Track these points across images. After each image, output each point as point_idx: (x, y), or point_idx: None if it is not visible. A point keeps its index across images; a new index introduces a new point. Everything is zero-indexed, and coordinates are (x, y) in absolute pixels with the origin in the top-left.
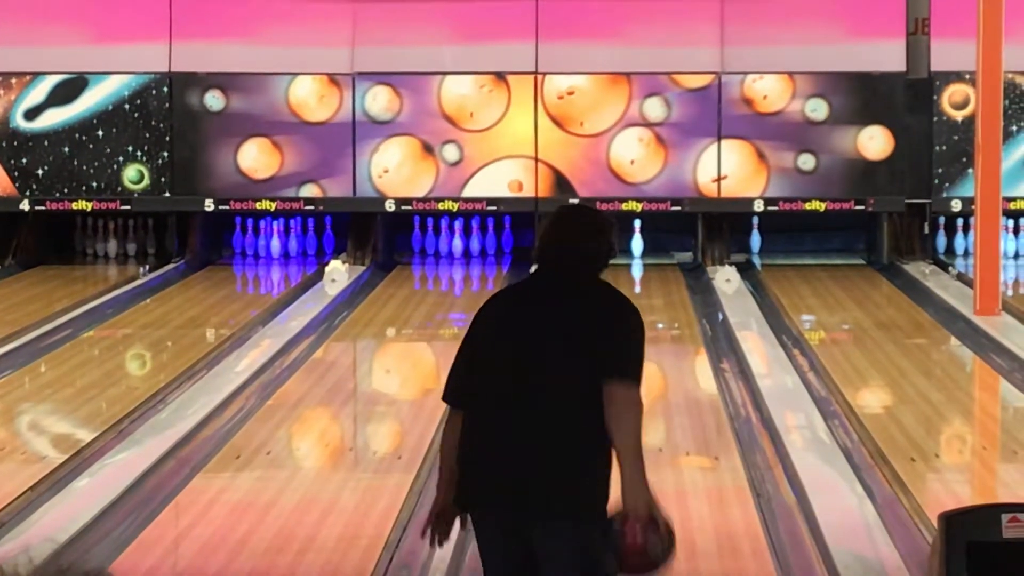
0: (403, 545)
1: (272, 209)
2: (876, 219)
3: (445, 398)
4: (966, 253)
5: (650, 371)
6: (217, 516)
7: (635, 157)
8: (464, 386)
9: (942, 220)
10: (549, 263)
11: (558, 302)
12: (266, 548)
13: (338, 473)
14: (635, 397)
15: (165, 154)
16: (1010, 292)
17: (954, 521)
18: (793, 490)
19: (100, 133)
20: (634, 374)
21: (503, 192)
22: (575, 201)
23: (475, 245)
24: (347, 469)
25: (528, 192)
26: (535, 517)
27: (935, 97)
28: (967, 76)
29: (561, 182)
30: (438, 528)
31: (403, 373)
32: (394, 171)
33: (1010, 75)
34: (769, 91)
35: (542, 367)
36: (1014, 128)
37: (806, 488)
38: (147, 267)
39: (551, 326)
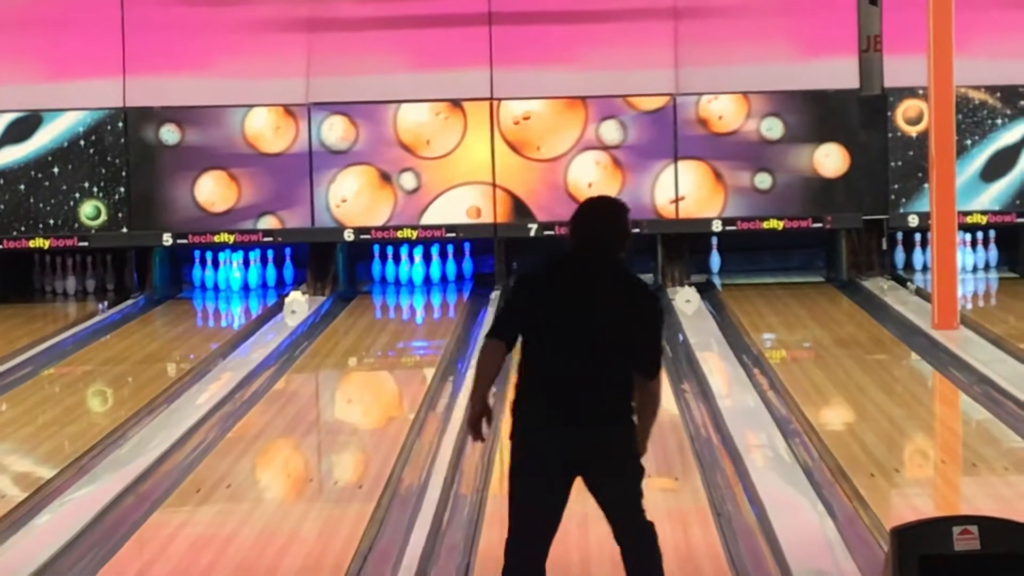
0: (363, 574)
1: (231, 242)
2: (834, 236)
3: (493, 333)
4: (924, 268)
5: None
6: (178, 550)
7: (593, 180)
8: (513, 327)
9: (900, 236)
10: (587, 246)
11: (608, 280)
12: None
13: (299, 504)
14: (659, 388)
15: (122, 189)
16: (968, 306)
17: (906, 535)
18: (754, 509)
19: (56, 170)
20: (660, 366)
21: (462, 219)
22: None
23: (435, 272)
24: (308, 500)
25: (487, 218)
26: (600, 456)
27: (889, 113)
28: (920, 91)
29: (519, 207)
30: (478, 429)
31: (365, 403)
32: (352, 200)
33: (963, 90)
34: (724, 111)
35: (600, 331)
36: (968, 142)
37: (767, 507)
38: (106, 303)
39: (605, 301)
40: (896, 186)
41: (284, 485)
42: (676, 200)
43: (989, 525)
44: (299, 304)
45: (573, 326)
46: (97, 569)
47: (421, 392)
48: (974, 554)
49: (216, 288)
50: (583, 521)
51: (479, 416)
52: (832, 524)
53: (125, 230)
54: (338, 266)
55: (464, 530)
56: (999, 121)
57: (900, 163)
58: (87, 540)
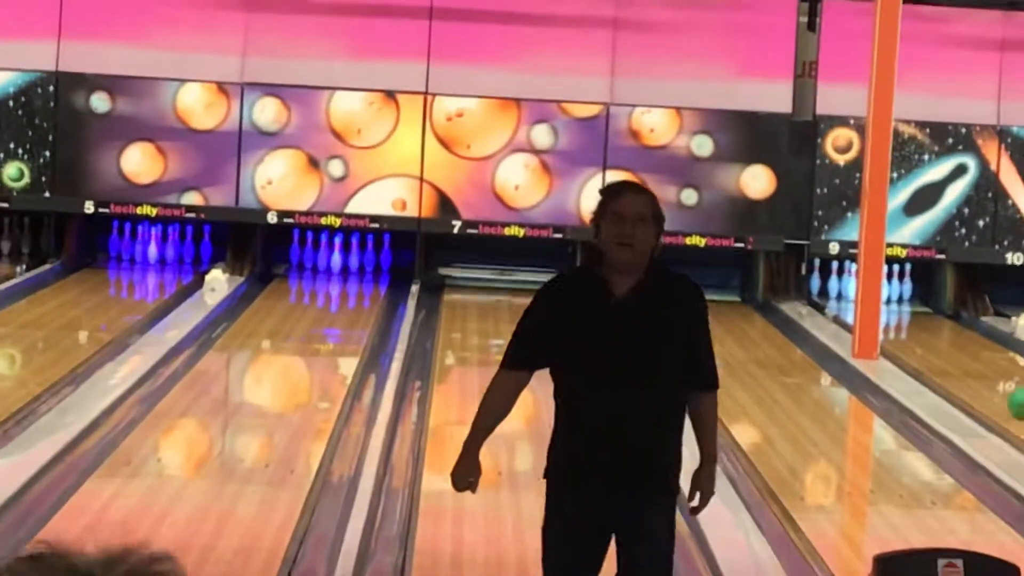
0: (301, 561)
1: (153, 215)
2: (752, 257)
3: (511, 363)
4: (839, 296)
5: (525, 396)
6: (111, 522)
7: (520, 183)
8: (534, 355)
9: (817, 262)
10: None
11: (649, 293)
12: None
13: (231, 485)
14: (716, 401)
15: (47, 153)
16: (882, 337)
17: (890, 564)
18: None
19: None
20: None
21: (386, 210)
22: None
23: (354, 262)
24: (240, 482)
25: (411, 212)
26: (640, 494)
27: (819, 140)
28: (851, 121)
29: (445, 203)
30: (462, 485)
31: (288, 388)
32: (278, 183)
33: (894, 123)
34: (656, 124)
35: (644, 354)
36: (895, 175)
37: (700, 523)
38: (24, 266)
39: (649, 319)
40: (820, 212)
41: (215, 465)
42: None
43: (974, 560)
44: (219, 283)
45: (615, 357)
46: (28, 539)
47: (344, 383)
48: None
49: (132, 260)
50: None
51: (466, 472)
52: (763, 542)
53: (47, 195)
54: (257, 248)
55: (399, 525)
56: (926, 157)
57: (825, 190)
58: (16, 509)
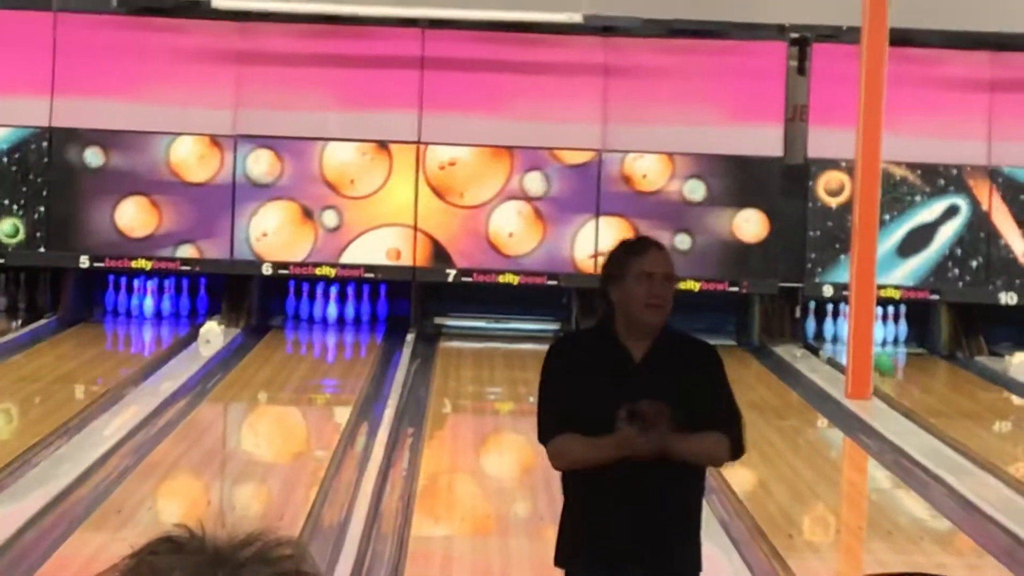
0: None
1: (148, 268)
2: (747, 301)
3: (551, 433)
4: (835, 339)
5: (519, 443)
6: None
7: (514, 230)
8: (571, 420)
9: (812, 305)
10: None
11: (667, 358)
12: None
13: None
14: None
15: (42, 209)
16: (877, 379)
17: None
18: None
19: None
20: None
21: (381, 260)
22: None
23: (350, 311)
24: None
25: (406, 261)
26: (659, 572)
27: (810, 183)
28: (843, 164)
29: (439, 252)
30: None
31: (282, 438)
32: (273, 235)
33: (885, 165)
34: (648, 170)
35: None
36: (887, 217)
37: None
38: (19, 321)
39: (671, 387)
40: (813, 255)
41: (206, 513)
42: (595, 255)
43: None
44: (214, 335)
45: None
46: None
47: (338, 430)
48: None
49: (129, 314)
50: None
51: (624, 436)
52: None
53: (42, 250)
54: (253, 299)
55: (388, 569)
56: (918, 198)
57: (818, 233)
58: (9, 555)
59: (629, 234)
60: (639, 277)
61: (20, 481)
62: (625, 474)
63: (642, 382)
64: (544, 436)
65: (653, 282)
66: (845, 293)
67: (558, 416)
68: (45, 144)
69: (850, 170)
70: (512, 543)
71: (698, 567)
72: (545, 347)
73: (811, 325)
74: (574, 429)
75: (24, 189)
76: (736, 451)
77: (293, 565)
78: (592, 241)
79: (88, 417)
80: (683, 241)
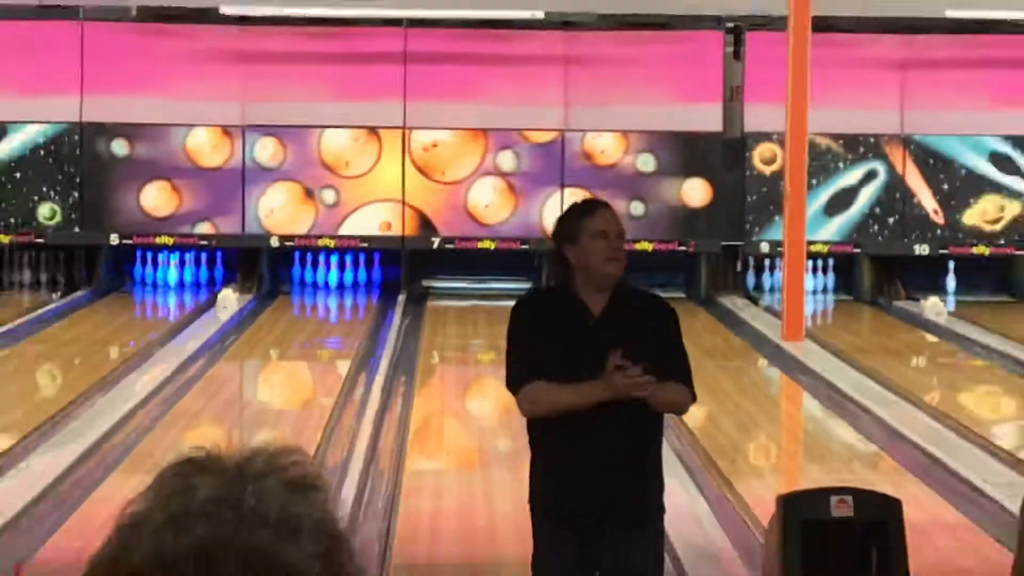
0: None
1: (170, 244)
2: (694, 258)
3: (522, 382)
4: (772, 289)
5: (499, 388)
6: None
7: (489, 202)
8: (536, 371)
9: (752, 260)
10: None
11: (624, 312)
12: None
13: None
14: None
15: (76, 194)
16: (810, 323)
17: (790, 502)
18: None
19: (18, 175)
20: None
21: (374, 231)
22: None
23: (348, 277)
24: None
25: (396, 231)
26: (625, 528)
27: (747, 154)
28: (775, 136)
29: (425, 223)
30: (617, 377)
31: (290, 389)
32: (278, 211)
33: (811, 136)
34: (606, 147)
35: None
36: (814, 182)
37: None
38: (58, 293)
39: (628, 340)
40: (751, 217)
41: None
42: None
43: (861, 496)
44: (230, 301)
45: (591, 374)
46: (59, 526)
47: (339, 381)
48: (848, 520)
49: (155, 284)
50: None
51: (602, 385)
52: (704, 503)
53: (77, 230)
54: (263, 268)
55: (384, 499)
56: (841, 165)
57: (755, 197)
58: (52, 497)
59: None
60: (595, 235)
61: (62, 432)
62: (592, 424)
63: (601, 334)
64: (513, 385)
65: (608, 238)
66: (780, 249)
67: (527, 366)
68: (77, 137)
69: (781, 142)
70: (495, 475)
71: (661, 509)
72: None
73: (751, 278)
74: (540, 378)
75: (59, 177)
76: (692, 400)
77: (302, 470)
78: (558, 210)
79: (120, 375)
80: (637, 207)
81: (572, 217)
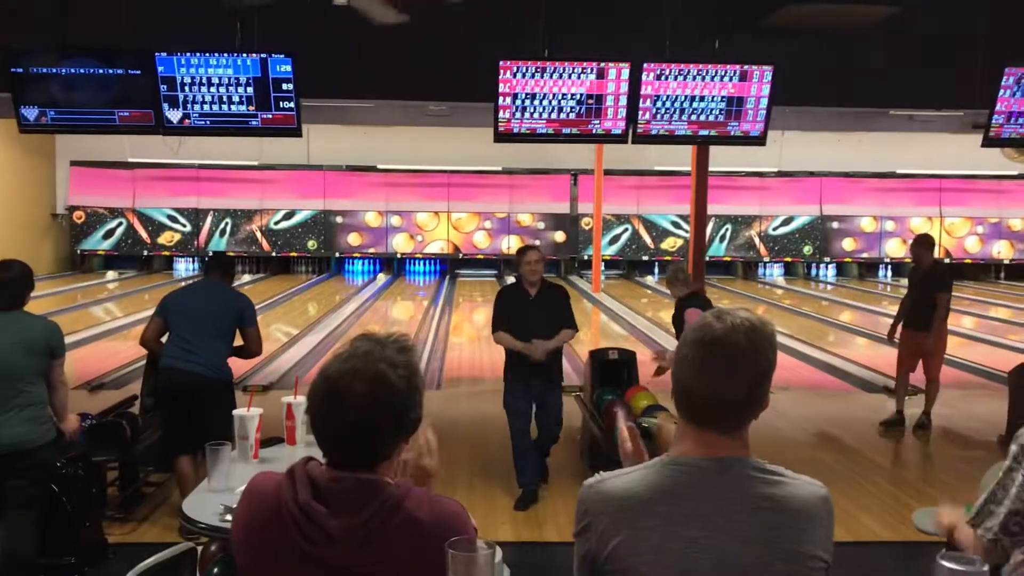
0: None
1: None
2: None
3: (497, 328)
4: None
5: (485, 315)
6: None
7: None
8: (504, 323)
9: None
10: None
11: (543, 294)
12: None
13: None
14: (572, 335)
15: None
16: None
17: (593, 355)
18: None
19: None
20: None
21: None
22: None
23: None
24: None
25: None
26: (546, 383)
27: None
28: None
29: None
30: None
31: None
32: None
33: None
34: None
35: (544, 322)
36: None
37: None
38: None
39: (545, 306)
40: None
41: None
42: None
43: (619, 351)
44: None
45: (528, 322)
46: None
47: (422, 309)
48: (615, 359)
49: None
50: None
51: (530, 347)
52: None
53: None
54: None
55: (439, 354)
56: None
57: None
58: (295, 371)
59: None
60: (527, 262)
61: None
62: (528, 354)
63: (533, 307)
64: (493, 331)
65: (531, 263)
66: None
67: (499, 321)
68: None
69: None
70: (492, 347)
71: (561, 378)
72: (499, 284)
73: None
74: (504, 329)
75: None
76: (576, 332)
77: (404, 341)
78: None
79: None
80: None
81: (519, 253)
